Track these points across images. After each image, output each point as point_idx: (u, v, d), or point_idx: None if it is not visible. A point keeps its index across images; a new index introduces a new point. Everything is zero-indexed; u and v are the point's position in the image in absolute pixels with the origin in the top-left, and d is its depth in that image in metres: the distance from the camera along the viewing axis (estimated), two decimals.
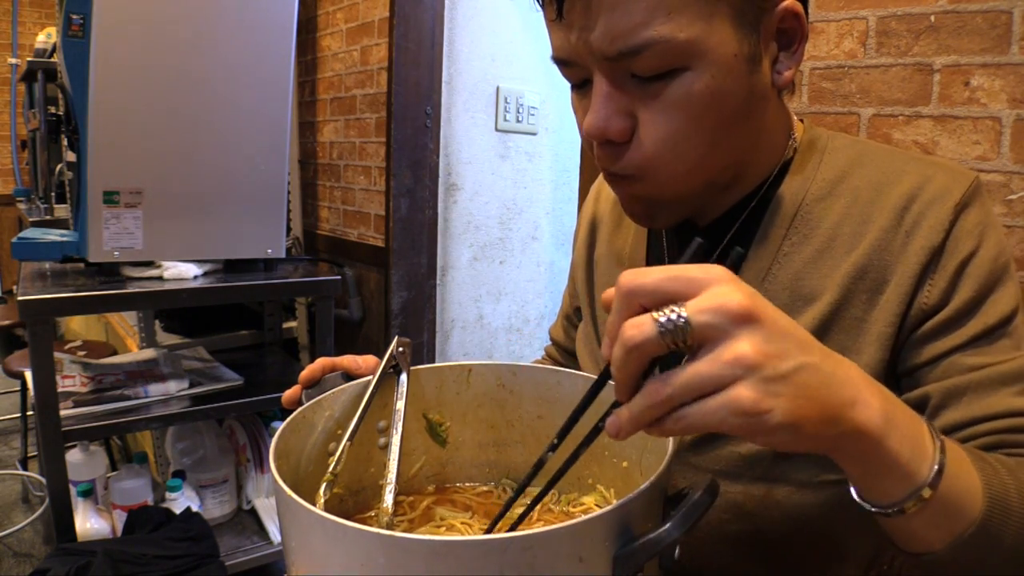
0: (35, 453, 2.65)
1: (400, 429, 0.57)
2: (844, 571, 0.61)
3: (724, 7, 0.48)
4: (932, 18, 0.92)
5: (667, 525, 0.36)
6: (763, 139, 0.58)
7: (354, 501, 0.60)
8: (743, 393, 0.32)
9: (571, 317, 0.83)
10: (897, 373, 0.56)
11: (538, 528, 0.35)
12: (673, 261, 0.65)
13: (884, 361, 0.54)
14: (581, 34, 0.50)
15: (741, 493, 0.59)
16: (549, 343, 0.89)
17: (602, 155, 0.55)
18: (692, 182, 0.55)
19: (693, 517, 0.36)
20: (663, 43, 0.47)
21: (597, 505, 0.59)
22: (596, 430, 0.41)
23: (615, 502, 0.37)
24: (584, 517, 0.35)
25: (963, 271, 0.53)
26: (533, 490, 0.62)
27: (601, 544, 0.36)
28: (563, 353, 0.86)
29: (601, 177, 0.80)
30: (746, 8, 0.49)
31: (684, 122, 0.51)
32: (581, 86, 0.55)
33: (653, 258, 0.68)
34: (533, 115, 2.37)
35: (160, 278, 1.52)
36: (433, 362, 0.62)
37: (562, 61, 0.54)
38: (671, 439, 0.46)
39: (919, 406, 0.54)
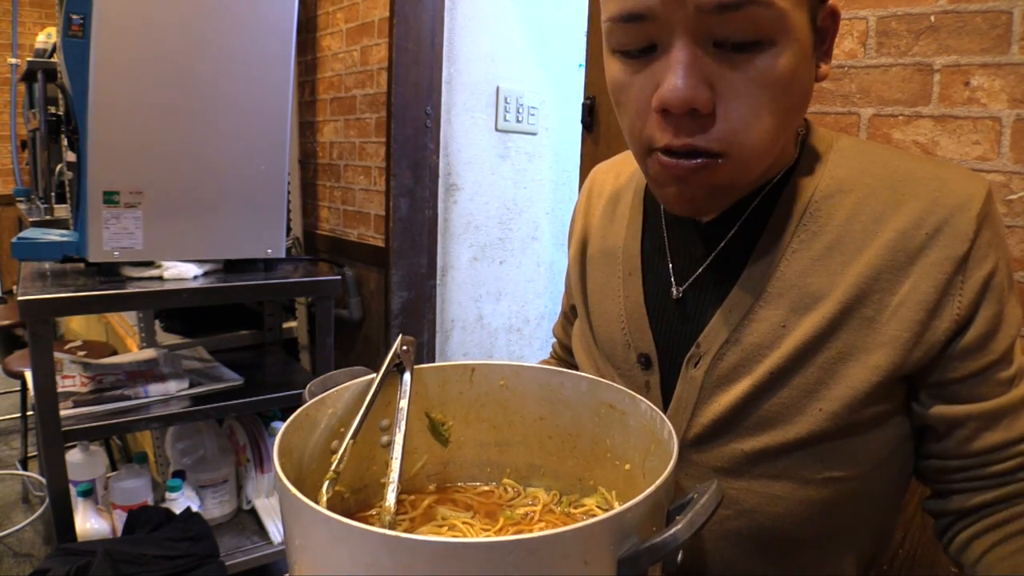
0: (35, 453, 2.65)
1: (403, 428, 0.57)
2: (844, 570, 0.62)
3: None
4: (932, 18, 0.92)
5: (672, 529, 0.36)
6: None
7: (355, 499, 0.60)
8: None
9: (568, 315, 0.83)
10: (918, 382, 0.56)
11: (543, 531, 0.35)
12: (676, 255, 0.65)
13: (895, 364, 0.54)
14: None
15: (743, 490, 0.59)
16: (554, 341, 0.89)
17: (680, 129, 0.51)
18: (762, 164, 0.54)
19: (698, 522, 0.36)
20: (763, 5, 0.46)
21: (599, 507, 0.59)
22: None
23: (619, 506, 0.37)
24: (590, 520, 0.36)
25: (989, 284, 0.53)
26: (536, 492, 0.63)
27: (606, 547, 0.36)
28: (565, 351, 0.86)
29: (593, 173, 0.80)
30: None
31: (769, 98, 0.49)
32: (640, 53, 0.51)
33: (649, 251, 0.68)
34: (533, 115, 2.37)
35: (160, 278, 1.52)
36: (433, 362, 0.62)
37: (636, 16, 0.49)
38: (675, 442, 0.46)
39: (952, 423, 0.55)
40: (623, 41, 0.52)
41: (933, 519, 0.61)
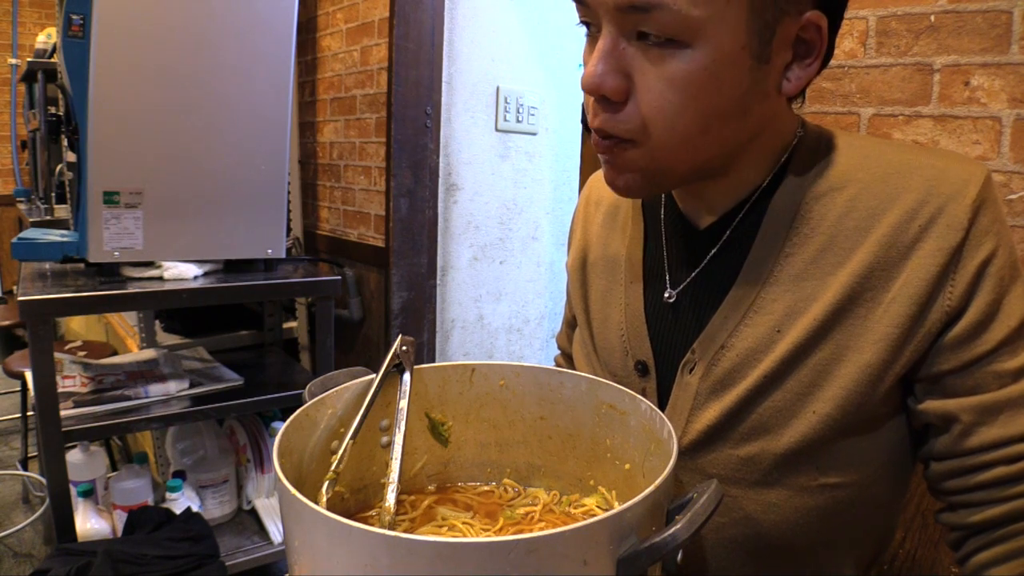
0: (35, 453, 2.65)
1: (403, 428, 0.57)
2: (844, 572, 0.61)
3: None
4: (932, 18, 0.92)
5: (672, 529, 0.36)
6: (762, 138, 0.58)
7: (355, 500, 0.60)
8: None
9: (572, 324, 0.82)
10: (911, 377, 0.55)
11: (543, 531, 0.35)
12: (672, 263, 0.65)
13: (886, 362, 0.53)
14: None
15: (739, 497, 0.58)
16: (558, 353, 0.89)
17: (598, 113, 0.54)
18: (681, 161, 0.54)
19: (698, 522, 0.36)
20: (674, 11, 0.47)
21: (599, 507, 0.59)
22: None
23: (619, 505, 0.37)
24: (589, 520, 0.36)
25: (984, 272, 0.52)
26: (536, 492, 0.63)
27: (605, 547, 0.36)
28: (568, 360, 0.85)
29: (590, 181, 0.80)
30: (766, 6, 0.49)
31: (679, 98, 0.50)
32: (590, 31, 0.55)
33: (650, 259, 0.68)
34: (533, 115, 2.37)
35: (160, 278, 1.52)
36: (433, 362, 0.62)
37: (578, 0, 0.53)
38: (675, 442, 0.46)
39: (947, 418, 0.54)
40: (580, 18, 0.55)
41: (948, 529, 0.59)
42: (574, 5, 0.55)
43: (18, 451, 2.77)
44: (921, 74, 0.94)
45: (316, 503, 0.38)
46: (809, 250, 0.57)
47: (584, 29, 0.57)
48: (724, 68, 0.50)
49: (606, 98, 0.52)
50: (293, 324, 2.29)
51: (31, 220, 2.46)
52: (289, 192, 1.82)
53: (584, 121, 1.50)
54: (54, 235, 1.54)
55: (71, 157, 1.58)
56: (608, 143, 0.55)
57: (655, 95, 0.51)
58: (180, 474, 1.70)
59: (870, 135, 0.98)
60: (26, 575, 2.03)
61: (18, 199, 3.37)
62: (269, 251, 1.67)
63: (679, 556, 0.39)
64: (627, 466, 0.56)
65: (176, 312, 2.10)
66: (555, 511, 0.60)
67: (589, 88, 0.52)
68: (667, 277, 0.65)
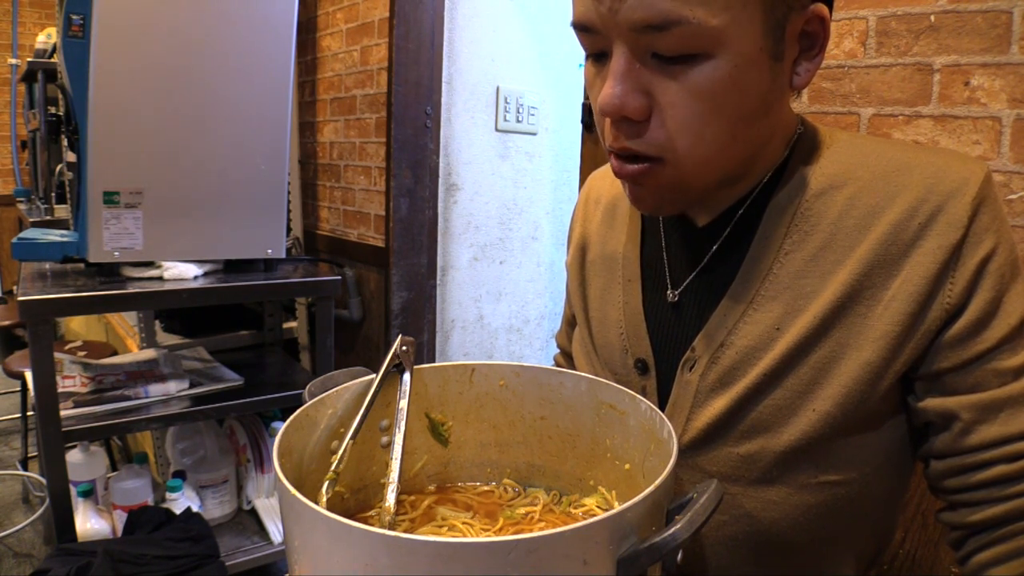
0: (35, 453, 2.65)
1: (403, 428, 0.57)
2: (844, 571, 0.61)
3: (757, 0, 0.48)
4: (932, 18, 0.92)
5: (672, 529, 0.36)
6: (773, 136, 0.58)
7: (355, 500, 0.60)
8: None
9: (571, 323, 0.82)
10: (911, 375, 0.55)
11: (543, 531, 0.35)
12: (672, 260, 0.65)
13: (886, 360, 0.53)
14: (612, 3, 0.48)
15: (740, 494, 0.58)
16: (557, 351, 0.89)
17: (619, 133, 0.53)
18: (711, 171, 0.54)
19: (698, 521, 0.36)
20: (694, 25, 0.47)
21: (599, 507, 0.59)
22: None
23: (619, 505, 0.37)
24: (589, 520, 0.36)
25: (984, 269, 0.52)
26: (536, 492, 0.63)
27: (605, 547, 0.36)
28: (568, 359, 0.85)
29: (589, 180, 0.80)
30: (776, 4, 0.49)
31: (706, 109, 0.50)
32: (598, 57, 0.54)
33: (648, 257, 0.68)
34: (533, 115, 2.37)
35: (160, 278, 1.52)
36: (433, 362, 0.62)
37: (583, 27, 0.52)
38: (675, 442, 0.46)
39: (947, 416, 0.54)
40: (584, 46, 0.54)
41: (948, 529, 0.58)
42: (579, 37, 0.53)
43: (18, 451, 2.77)
44: (921, 74, 0.93)
45: (316, 503, 0.38)
46: (809, 248, 0.57)
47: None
48: (747, 72, 0.49)
49: (626, 119, 0.51)
50: (293, 324, 2.29)
51: (31, 220, 2.46)
52: (289, 192, 1.82)
53: (584, 121, 1.50)
54: (54, 235, 1.54)
55: (71, 157, 1.57)
56: (634, 167, 0.54)
57: (680, 109, 0.50)
58: (180, 474, 1.70)
59: (869, 134, 0.98)
60: (26, 575, 2.03)
61: (18, 199, 3.38)
62: (269, 251, 1.67)
63: (679, 556, 0.39)
64: (627, 466, 0.56)
65: (176, 312, 2.10)
66: (555, 511, 0.60)
67: (610, 110, 0.51)
68: (667, 276, 0.65)
